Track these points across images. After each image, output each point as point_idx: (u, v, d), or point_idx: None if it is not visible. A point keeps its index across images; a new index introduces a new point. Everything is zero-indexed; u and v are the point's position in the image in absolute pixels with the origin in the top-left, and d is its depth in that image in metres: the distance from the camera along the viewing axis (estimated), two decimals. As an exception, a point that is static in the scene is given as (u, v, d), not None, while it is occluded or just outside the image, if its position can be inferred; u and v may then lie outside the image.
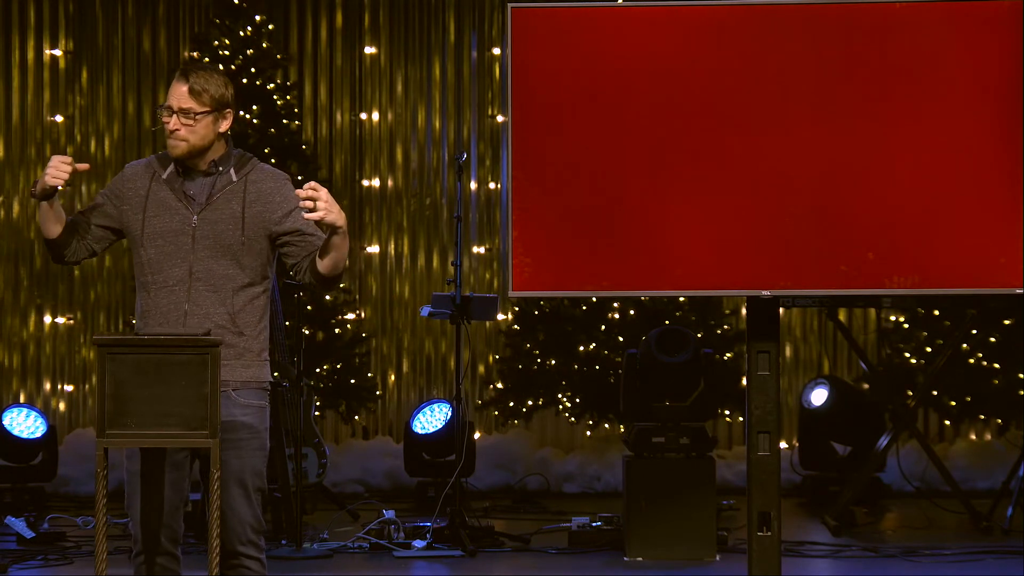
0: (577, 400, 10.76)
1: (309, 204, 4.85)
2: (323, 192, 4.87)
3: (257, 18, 10.70)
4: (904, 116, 6.25)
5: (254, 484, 5.03)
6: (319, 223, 4.92)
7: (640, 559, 8.23)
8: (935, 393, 10.46)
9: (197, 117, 5.02)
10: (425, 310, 8.81)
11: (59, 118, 11.36)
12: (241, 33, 10.59)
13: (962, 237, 6.23)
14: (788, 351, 11.42)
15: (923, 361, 10.39)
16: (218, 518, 4.74)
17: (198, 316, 4.98)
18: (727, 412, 10.87)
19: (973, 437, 11.31)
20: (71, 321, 11.35)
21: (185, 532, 5.23)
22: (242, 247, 5.03)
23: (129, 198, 5.07)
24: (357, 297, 11.24)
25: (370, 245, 11.47)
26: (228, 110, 5.08)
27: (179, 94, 5.03)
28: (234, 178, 5.07)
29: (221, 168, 5.07)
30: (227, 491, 4.94)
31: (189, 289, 4.99)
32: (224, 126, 5.08)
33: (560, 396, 10.80)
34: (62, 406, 11.36)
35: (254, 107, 10.41)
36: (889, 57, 6.25)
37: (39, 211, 5.07)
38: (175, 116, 5.02)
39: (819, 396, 10.34)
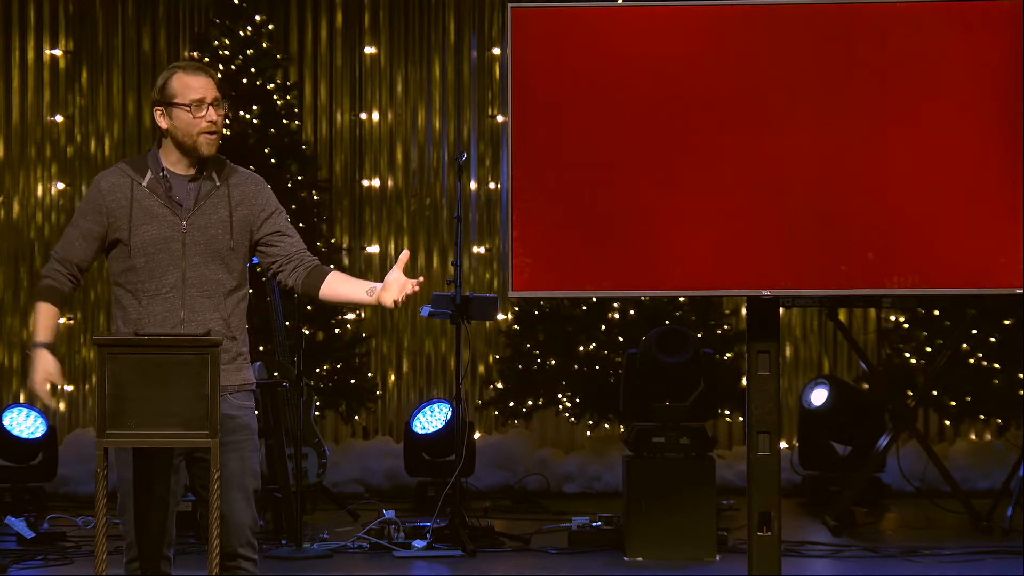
0: (577, 400, 10.76)
1: (399, 299, 4.87)
2: (412, 289, 4.89)
3: (257, 18, 10.70)
4: (904, 116, 6.25)
5: (252, 486, 5.03)
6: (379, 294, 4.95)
7: (640, 559, 8.23)
8: (935, 393, 10.45)
9: (224, 105, 5.01)
10: (425, 310, 8.81)
11: (59, 118, 11.36)
12: (241, 33, 10.59)
13: (962, 237, 6.23)
14: (788, 351, 11.41)
15: (923, 361, 10.39)
16: (218, 519, 4.74)
17: (195, 323, 4.96)
18: (727, 412, 10.87)
19: (973, 437, 11.31)
20: (71, 321, 11.35)
21: (184, 533, 5.23)
22: (231, 252, 5.01)
23: (113, 210, 4.98)
24: (357, 297, 11.22)
25: (370, 245, 11.47)
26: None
27: (208, 85, 4.98)
28: (217, 182, 5.03)
29: (205, 172, 5.02)
30: (228, 494, 4.93)
31: (183, 295, 4.97)
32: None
33: (560, 396, 10.79)
34: (62, 406, 11.36)
35: (254, 107, 10.41)
36: (889, 57, 6.25)
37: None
38: (210, 108, 4.97)
39: (819, 396, 10.34)
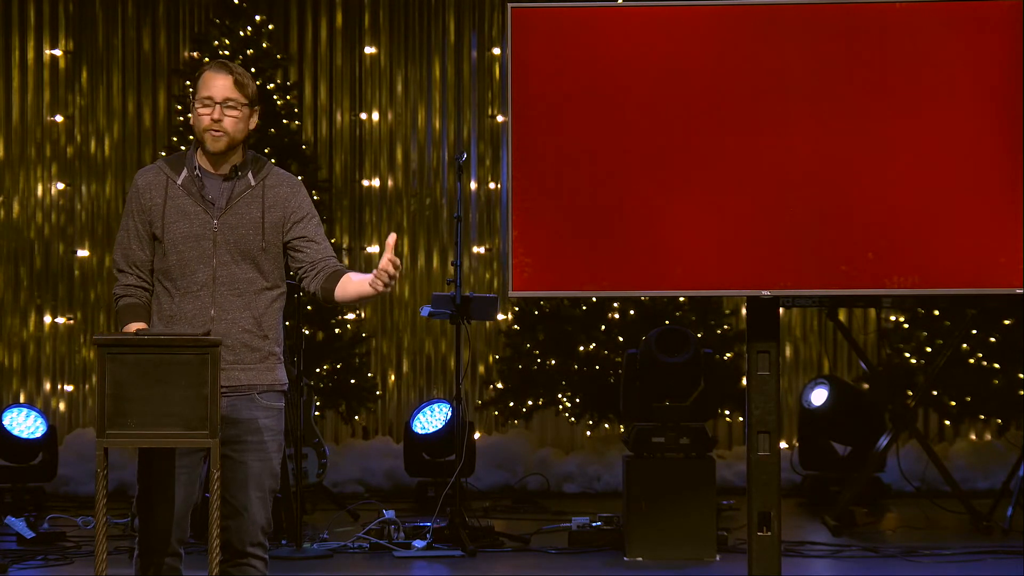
0: (577, 400, 10.76)
1: (384, 277, 4.84)
2: (392, 268, 4.85)
3: (257, 18, 10.71)
4: (904, 116, 6.25)
5: (270, 487, 5.06)
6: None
7: (640, 559, 8.23)
8: (935, 393, 10.46)
9: (241, 108, 5.01)
10: (425, 310, 8.81)
11: (59, 118, 11.36)
12: (241, 33, 10.59)
13: (962, 237, 6.23)
14: (788, 351, 11.41)
15: (923, 361, 10.39)
16: (219, 518, 4.75)
17: (225, 321, 4.98)
18: (727, 412, 10.86)
19: (973, 437, 11.31)
20: (71, 321, 11.35)
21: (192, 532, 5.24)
22: (262, 252, 5.03)
23: (148, 208, 5.04)
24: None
25: (370, 245, 11.47)
26: (257, 107, 5.09)
27: (223, 85, 5.00)
28: (252, 182, 5.06)
29: (240, 172, 5.05)
30: (244, 493, 4.97)
31: (213, 293, 4.99)
32: (254, 123, 5.09)
33: (560, 396, 10.79)
34: (62, 406, 11.36)
35: (254, 107, 10.41)
36: (889, 57, 6.25)
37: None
38: (217, 107, 4.99)
39: (819, 396, 10.34)
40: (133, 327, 4.98)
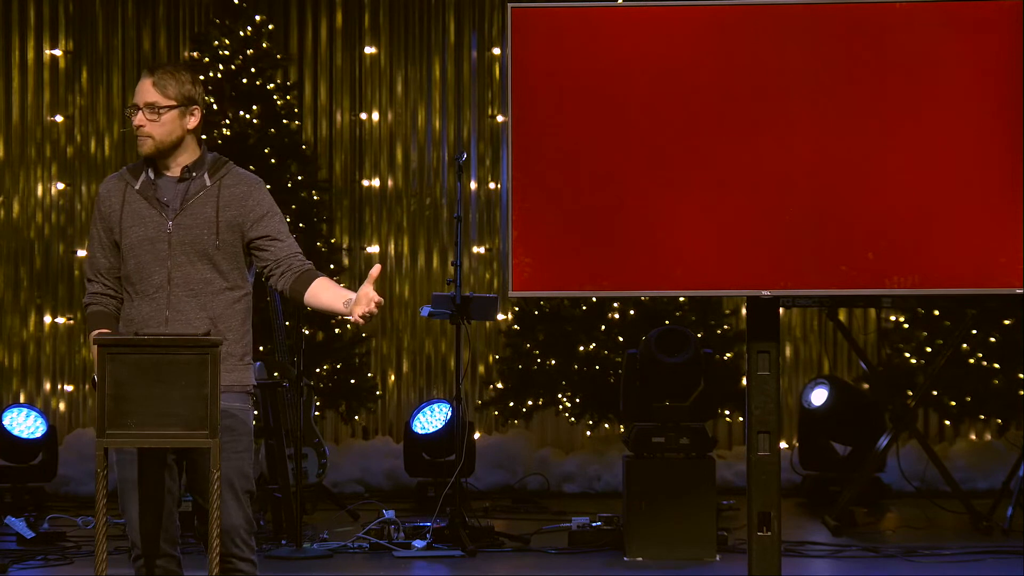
0: (577, 400, 10.76)
1: (366, 312, 4.84)
2: (375, 308, 4.85)
3: (257, 18, 10.70)
4: (904, 116, 6.25)
5: (242, 486, 5.02)
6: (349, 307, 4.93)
7: (640, 559, 8.23)
8: (935, 393, 10.46)
9: (161, 111, 5.02)
10: (425, 310, 8.81)
11: (59, 118, 11.36)
12: (241, 33, 10.59)
13: (962, 237, 6.23)
14: (788, 351, 11.41)
15: (923, 361, 10.39)
16: (218, 519, 4.74)
17: (179, 322, 4.98)
18: (727, 412, 10.87)
19: (973, 437, 11.31)
20: (71, 321, 11.35)
21: (183, 533, 5.23)
22: (217, 251, 5.01)
23: (107, 215, 5.07)
24: (357, 297, 11.20)
25: (370, 245, 11.47)
26: (195, 107, 5.07)
27: (143, 90, 5.06)
28: (208, 183, 5.05)
29: (194, 173, 5.05)
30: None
31: (169, 295, 4.99)
32: (192, 123, 5.07)
33: (560, 396, 10.79)
34: (62, 406, 11.36)
35: (254, 107, 10.41)
36: (889, 57, 6.25)
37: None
38: (140, 112, 5.04)
39: (819, 396, 10.34)
40: (96, 332, 5.00)
